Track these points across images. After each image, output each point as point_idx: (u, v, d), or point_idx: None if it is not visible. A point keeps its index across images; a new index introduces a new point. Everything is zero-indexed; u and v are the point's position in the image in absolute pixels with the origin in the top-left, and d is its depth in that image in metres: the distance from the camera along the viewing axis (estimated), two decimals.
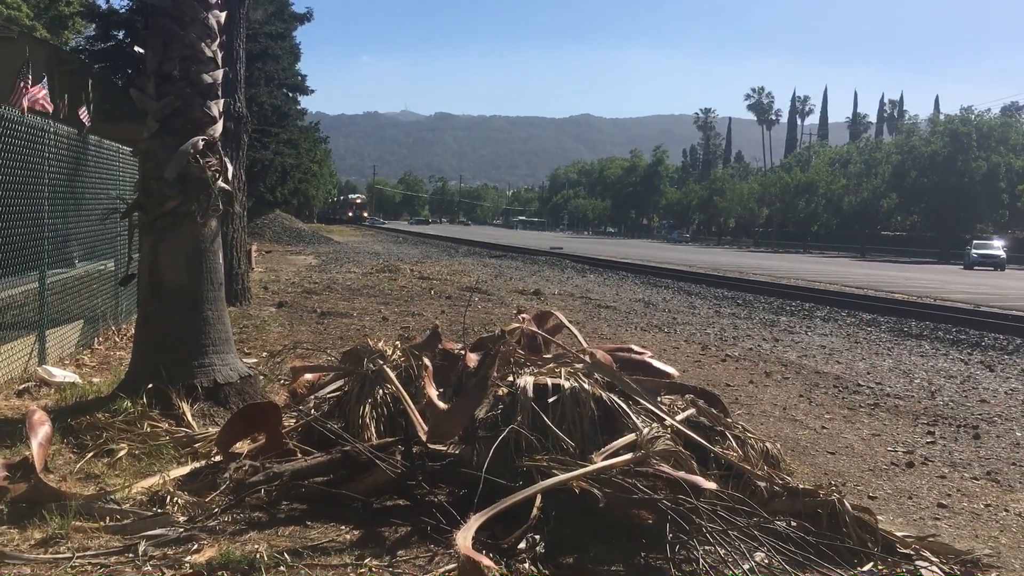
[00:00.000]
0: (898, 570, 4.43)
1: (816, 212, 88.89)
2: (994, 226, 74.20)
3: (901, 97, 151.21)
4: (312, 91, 52.10)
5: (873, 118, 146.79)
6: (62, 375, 8.16)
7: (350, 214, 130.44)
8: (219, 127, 7.43)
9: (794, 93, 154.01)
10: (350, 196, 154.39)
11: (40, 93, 14.15)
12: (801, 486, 5.09)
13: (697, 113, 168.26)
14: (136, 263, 8.64)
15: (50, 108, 14.45)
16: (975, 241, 57.41)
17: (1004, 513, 5.88)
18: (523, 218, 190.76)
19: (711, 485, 4.64)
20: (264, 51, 41.76)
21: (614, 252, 53.04)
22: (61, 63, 30.57)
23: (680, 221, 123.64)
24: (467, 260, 37.47)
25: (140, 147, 7.36)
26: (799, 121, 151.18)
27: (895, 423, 8.58)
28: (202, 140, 7.09)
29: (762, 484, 5.00)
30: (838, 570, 4.24)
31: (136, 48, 7.54)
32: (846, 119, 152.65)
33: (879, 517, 4.92)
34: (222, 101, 7.57)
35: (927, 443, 7.82)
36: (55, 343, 9.08)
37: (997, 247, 55.25)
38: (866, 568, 4.40)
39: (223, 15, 7.64)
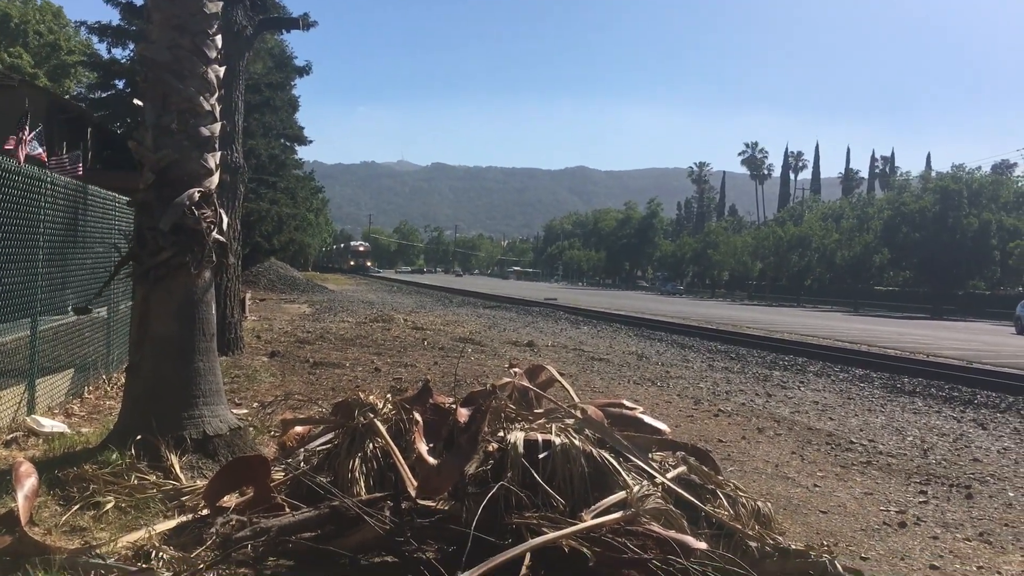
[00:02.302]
0: None
1: (809, 266, 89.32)
2: (986, 283, 74.59)
3: (892, 153, 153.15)
4: (310, 141, 52.61)
5: (865, 174, 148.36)
6: (51, 425, 8.11)
7: (352, 263, 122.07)
8: (215, 179, 7.49)
9: (787, 148, 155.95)
10: (352, 243, 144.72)
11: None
12: (792, 546, 5.06)
13: (691, 167, 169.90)
14: (112, 303, 8.72)
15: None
16: None
17: None
18: (517, 268, 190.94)
19: (701, 545, 4.61)
20: (264, 102, 42.20)
21: (608, 304, 53.12)
22: (61, 111, 30.86)
23: (674, 273, 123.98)
24: (461, 310, 37.47)
25: (136, 198, 7.41)
26: (792, 176, 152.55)
27: (888, 482, 8.55)
28: (198, 192, 7.14)
29: (753, 544, 4.97)
30: None
31: (135, 100, 7.62)
32: (838, 174, 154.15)
33: None
34: (219, 153, 7.64)
35: (920, 503, 7.78)
36: (45, 392, 9.04)
37: None
38: None
39: (222, 69, 7.74)
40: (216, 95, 7.59)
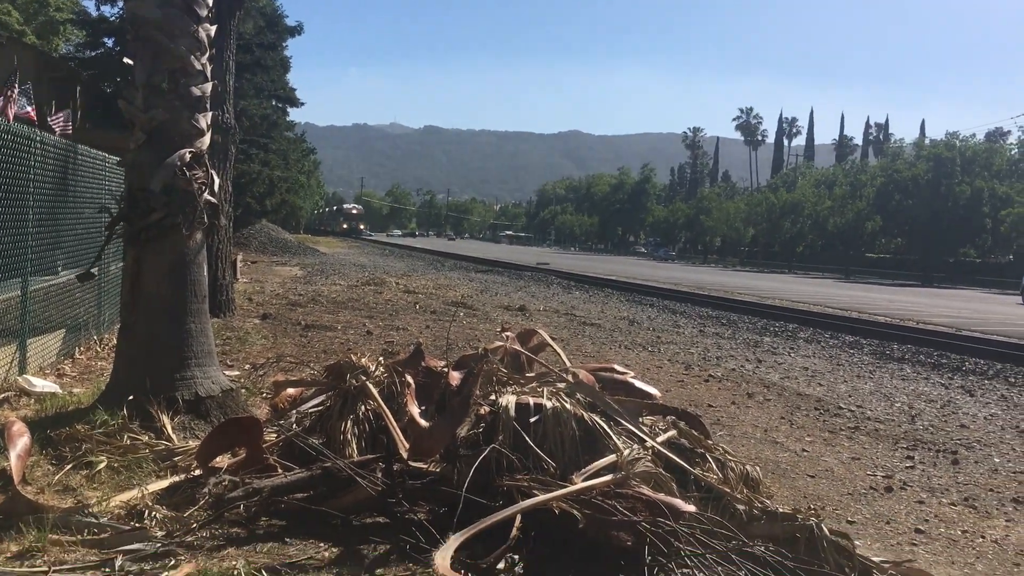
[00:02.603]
0: None
1: (801, 233, 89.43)
2: (976, 251, 74.81)
3: (887, 120, 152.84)
4: (302, 103, 52.08)
5: (859, 141, 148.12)
6: (42, 385, 8.11)
7: (345, 226, 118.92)
8: (207, 140, 7.43)
9: (781, 114, 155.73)
10: (345, 206, 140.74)
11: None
12: (780, 509, 5.11)
13: (685, 132, 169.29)
14: (103, 264, 8.70)
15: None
16: None
17: (981, 540, 5.92)
18: (510, 232, 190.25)
19: (690, 508, 4.65)
20: (255, 62, 41.80)
21: (600, 269, 53.15)
22: (50, 69, 30.50)
23: (667, 239, 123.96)
24: (453, 274, 37.46)
25: (127, 158, 7.35)
26: (786, 142, 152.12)
27: (875, 447, 8.63)
28: (189, 153, 7.08)
29: (741, 507, 5.02)
30: None
31: (125, 59, 7.53)
32: (832, 141, 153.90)
33: (857, 542, 4.94)
34: (210, 114, 7.57)
35: (906, 467, 7.86)
36: (36, 352, 9.03)
37: None
38: None
39: (213, 28, 7.65)
40: (207, 54, 7.50)
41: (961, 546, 5.78)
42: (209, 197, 7.23)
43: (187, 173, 7.03)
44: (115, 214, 7.42)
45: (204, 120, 7.38)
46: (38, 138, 8.96)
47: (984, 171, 71.46)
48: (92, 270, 8.77)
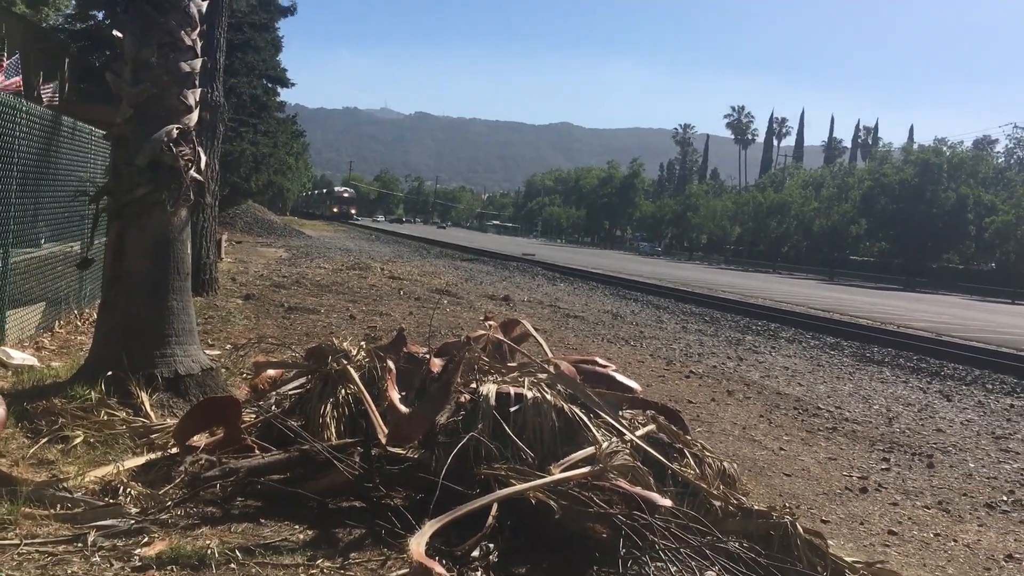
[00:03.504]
0: None
1: (787, 233, 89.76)
2: (959, 257, 75.29)
3: (876, 124, 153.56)
4: (293, 84, 51.72)
5: (848, 143, 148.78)
6: (20, 357, 8.03)
7: (335, 209, 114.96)
8: (194, 116, 7.37)
9: (771, 114, 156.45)
10: (336, 189, 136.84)
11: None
12: (755, 507, 5.13)
13: (676, 128, 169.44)
14: (80, 233, 8.64)
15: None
16: None
17: (952, 543, 5.98)
18: (496, 222, 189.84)
19: (666, 502, 4.67)
20: (246, 41, 41.48)
21: (586, 262, 53.18)
22: (38, 40, 30.16)
23: (653, 234, 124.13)
24: (439, 262, 37.40)
25: (113, 132, 7.27)
26: (775, 142, 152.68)
27: (852, 448, 8.68)
28: (176, 129, 7.02)
29: (717, 503, 5.04)
30: None
31: (115, 32, 7.44)
32: (822, 143, 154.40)
33: (830, 541, 4.97)
34: (199, 90, 7.50)
35: (882, 469, 7.92)
36: (15, 324, 8.94)
37: None
38: None
39: (205, 3, 7.58)
40: (198, 30, 7.43)
41: (933, 549, 5.83)
42: (195, 174, 7.18)
43: (174, 149, 6.97)
44: (92, 195, 7.35)
45: (192, 96, 7.31)
46: (23, 108, 8.86)
47: (970, 178, 71.89)
48: (88, 256, 8.71)
